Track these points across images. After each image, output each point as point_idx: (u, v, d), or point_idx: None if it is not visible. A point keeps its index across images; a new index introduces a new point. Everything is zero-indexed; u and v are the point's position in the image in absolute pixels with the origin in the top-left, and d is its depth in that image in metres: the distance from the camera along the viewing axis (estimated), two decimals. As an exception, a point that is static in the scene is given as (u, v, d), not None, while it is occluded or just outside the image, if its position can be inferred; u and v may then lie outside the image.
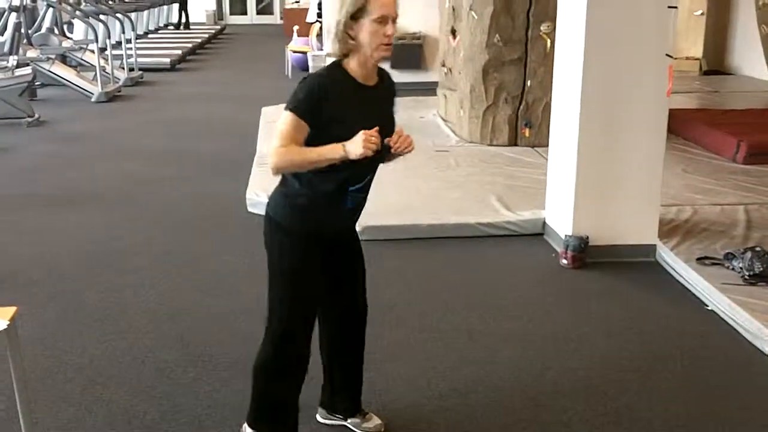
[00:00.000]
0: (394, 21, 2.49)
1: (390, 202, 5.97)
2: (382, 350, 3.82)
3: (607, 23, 4.77)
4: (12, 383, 2.60)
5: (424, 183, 6.54)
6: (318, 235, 2.75)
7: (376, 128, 2.45)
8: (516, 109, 7.71)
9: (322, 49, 12.79)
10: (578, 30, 4.84)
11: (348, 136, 2.46)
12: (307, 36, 14.16)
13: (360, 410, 3.18)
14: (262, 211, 5.73)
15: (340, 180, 2.63)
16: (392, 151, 2.57)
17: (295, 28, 14.77)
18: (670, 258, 4.91)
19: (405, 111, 9.46)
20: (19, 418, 2.58)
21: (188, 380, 3.57)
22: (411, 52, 11.65)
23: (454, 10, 8.42)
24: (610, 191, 4.99)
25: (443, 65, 9.06)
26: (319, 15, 13.85)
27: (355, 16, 2.49)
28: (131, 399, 3.42)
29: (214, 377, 3.60)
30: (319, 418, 3.23)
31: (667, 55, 4.80)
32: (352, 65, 2.57)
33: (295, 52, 13.97)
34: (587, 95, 4.85)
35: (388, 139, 2.53)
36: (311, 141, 2.54)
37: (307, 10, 16.87)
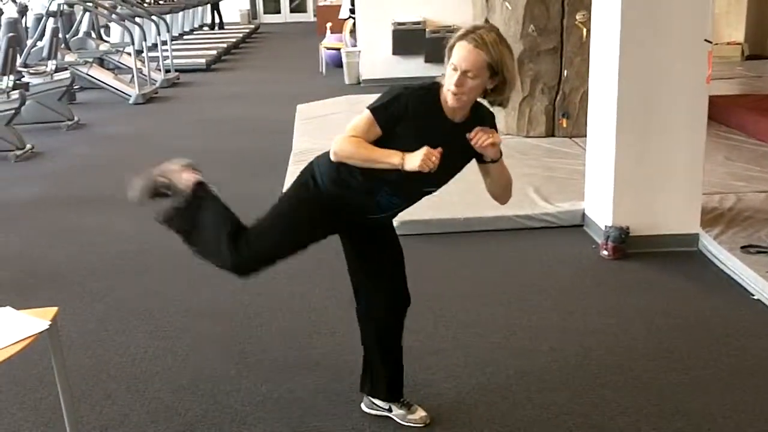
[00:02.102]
0: (467, 75, 2.50)
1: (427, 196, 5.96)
2: (422, 343, 3.81)
3: (643, 10, 4.69)
4: (56, 382, 2.63)
5: (460, 176, 6.47)
6: (341, 208, 2.80)
7: (440, 150, 2.50)
8: (552, 100, 7.63)
9: (355, 46, 12.80)
10: (614, 17, 4.77)
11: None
12: (341, 32, 14.17)
13: (404, 400, 3.18)
14: (299, 209, 5.86)
15: (382, 183, 2.69)
16: (471, 141, 2.60)
17: (328, 25, 14.80)
18: (714, 247, 4.83)
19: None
20: (64, 418, 2.60)
21: (229, 378, 3.59)
22: (445, 45, 11.58)
23: (487, 1, 8.35)
24: (650, 180, 4.92)
25: (478, 58, 8.99)
26: (352, 11, 13.84)
27: (447, 53, 2.57)
28: (173, 397, 3.44)
29: (255, 375, 3.61)
30: (363, 407, 3.24)
31: (707, 40, 4.72)
32: (444, 94, 2.61)
33: (328, 48, 13.98)
34: (625, 84, 4.78)
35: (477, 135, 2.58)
36: (376, 144, 2.62)
37: (339, 6, 16.88)
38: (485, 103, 2.74)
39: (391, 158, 2.55)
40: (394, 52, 11.81)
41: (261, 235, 2.89)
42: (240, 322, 4.20)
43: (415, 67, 11.59)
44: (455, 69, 2.51)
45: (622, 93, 4.80)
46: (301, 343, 3.91)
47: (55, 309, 2.40)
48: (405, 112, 2.59)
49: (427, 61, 11.63)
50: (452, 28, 11.56)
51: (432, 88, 2.64)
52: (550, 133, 7.66)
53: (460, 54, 2.50)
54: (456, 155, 2.67)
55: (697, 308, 4.23)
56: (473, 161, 2.80)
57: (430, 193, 2.84)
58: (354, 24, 13.39)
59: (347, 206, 2.80)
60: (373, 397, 3.21)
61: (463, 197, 5.91)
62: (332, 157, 2.67)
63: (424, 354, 3.73)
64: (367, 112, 2.62)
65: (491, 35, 2.51)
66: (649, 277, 4.65)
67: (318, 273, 4.70)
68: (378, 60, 11.89)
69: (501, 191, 2.93)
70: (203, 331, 4.09)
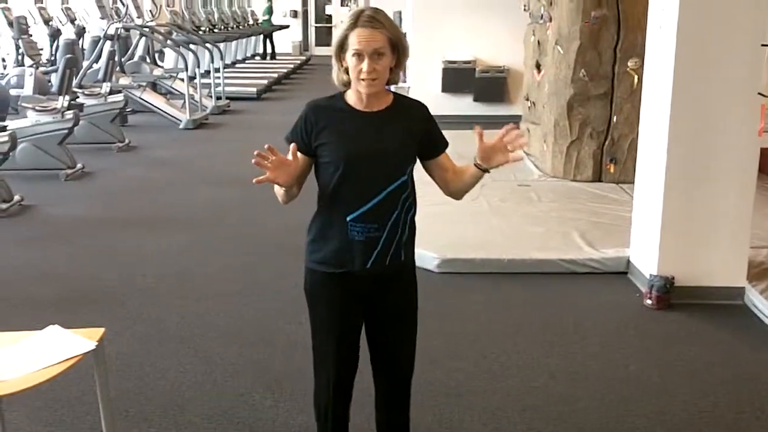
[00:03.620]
0: (372, 56, 2.39)
1: (471, 235, 5.96)
2: (462, 382, 3.80)
3: (697, 60, 4.68)
4: (98, 402, 2.66)
5: (505, 217, 6.49)
6: (337, 275, 2.55)
7: (271, 147, 2.35)
8: (601, 145, 7.60)
9: (405, 81, 12.88)
10: (667, 66, 4.75)
11: (333, 159, 2.47)
12: (390, 67, 14.27)
13: None
14: (342, 240, 5.89)
15: (335, 207, 2.52)
16: (505, 139, 2.52)
17: (378, 59, 14.91)
18: (760, 301, 4.74)
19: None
20: (103, 438, 2.63)
21: (266, 407, 3.60)
22: (495, 85, 11.66)
23: (539, 44, 8.39)
24: (697, 231, 4.87)
25: (527, 99, 9.02)
26: (403, 47, 13.96)
27: (341, 47, 2.47)
28: (210, 423, 3.45)
29: (292, 405, 3.61)
30: None
31: (760, 93, 4.68)
32: (350, 94, 2.53)
33: (377, 82, 14.07)
34: (675, 132, 4.76)
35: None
36: (315, 169, 2.56)
37: (391, 42, 17.03)
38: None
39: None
40: (444, 90, 11.87)
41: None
42: (280, 349, 4.21)
43: (463, 106, 11.65)
44: (359, 56, 2.40)
45: (672, 142, 4.77)
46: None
47: (101, 330, 2.43)
48: (314, 125, 2.49)
49: (476, 99, 11.70)
50: (503, 68, 11.64)
51: (336, 94, 2.58)
52: (597, 178, 7.62)
53: (363, 38, 2.39)
54: (389, 141, 2.50)
55: (741, 363, 4.15)
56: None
57: (399, 206, 2.53)
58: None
59: (333, 260, 2.55)
60: None
61: (508, 238, 5.91)
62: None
63: (463, 392, 3.72)
64: None
65: (380, 13, 2.44)
66: (693, 328, 4.59)
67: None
68: (426, 96, 11.81)
69: (462, 187, 2.73)
70: (243, 358, 4.11)
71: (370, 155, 2.47)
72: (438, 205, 6.77)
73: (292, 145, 2.41)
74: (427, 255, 5.46)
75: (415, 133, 2.57)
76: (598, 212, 6.56)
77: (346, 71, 2.48)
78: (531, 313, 4.81)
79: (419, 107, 2.63)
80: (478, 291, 5.13)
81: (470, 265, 5.42)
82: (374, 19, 2.41)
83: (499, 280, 5.32)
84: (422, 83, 11.97)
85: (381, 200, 2.48)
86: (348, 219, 2.48)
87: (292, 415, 3.52)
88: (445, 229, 6.14)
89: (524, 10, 9.25)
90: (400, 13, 15.20)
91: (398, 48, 2.46)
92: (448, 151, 2.71)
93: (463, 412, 3.54)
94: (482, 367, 4.04)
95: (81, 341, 2.43)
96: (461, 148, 9.85)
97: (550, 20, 7.96)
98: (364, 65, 2.39)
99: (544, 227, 6.17)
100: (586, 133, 7.62)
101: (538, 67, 8.49)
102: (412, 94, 12.19)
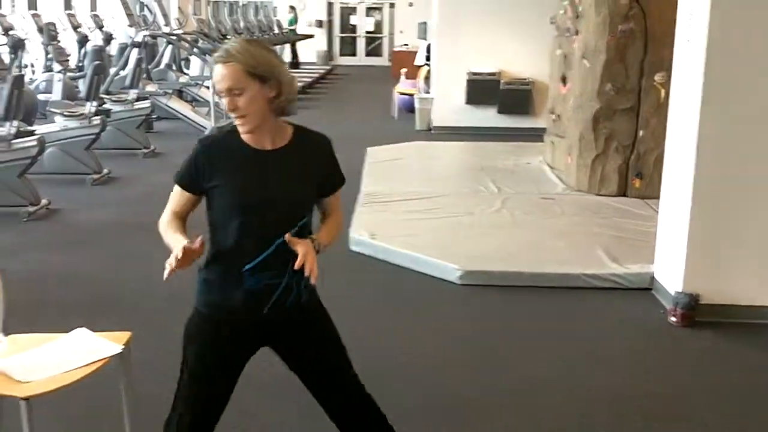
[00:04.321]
0: (233, 93, 2.24)
1: (493, 248, 5.95)
2: (478, 397, 3.79)
3: (726, 74, 4.64)
4: (121, 405, 2.67)
5: (528, 230, 6.47)
6: (223, 320, 2.41)
7: (179, 255, 2.24)
8: (626, 159, 7.56)
9: (428, 92, 12.91)
10: (695, 80, 4.72)
11: (228, 206, 2.34)
12: (415, 79, 14.31)
13: None
14: (364, 251, 5.94)
15: (229, 254, 2.37)
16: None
17: (403, 70, 14.96)
18: (787, 321, 4.69)
19: (511, 156, 9.45)
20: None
21: (292, 412, 3.59)
22: (519, 97, 11.64)
23: (565, 57, 8.38)
24: (724, 248, 4.82)
25: (552, 112, 9.00)
26: (428, 58, 13.99)
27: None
28: (233, 428, 3.45)
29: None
30: None
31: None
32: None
33: (401, 93, 14.13)
34: (703, 147, 4.72)
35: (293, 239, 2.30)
36: (207, 206, 2.41)
37: (415, 53, 17.07)
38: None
39: (173, 244, 2.33)
40: (468, 101, 11.85)
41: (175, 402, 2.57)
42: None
43: (487, 117, 11.64)
44: (222, 95, 2.28)
45: (700, 157, 4.73)
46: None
47: (128, 334, 2.44)
48: (205, 165, 2.35)
49: (500, 111, 11.67)
50: (527, 80, 11.63)
51: (229, 128, 2.39)
52: (622, 192, 7.57)
53: (216, 77, 2.26)
54: (287, 186, 2.37)
55: (767, 383, 4.11)
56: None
57: (292, 252, 2.32)
58: (429, 71, 13.52)
59: (223, 309, 2.42)
60: None
61: (530, 252, 5.89)
62: None
63: (481, 407, 3.70)
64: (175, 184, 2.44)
65: (237, 45, 2.27)
66: (718, 347, 4.54)
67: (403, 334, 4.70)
68: (451, 108, 11.95)
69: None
70: (270, 360, 4.10)
71: (267, 203, 2.33)
72: (459, 216, 6.86)
73: (200, 238, 2.27)
74: (448, 266, 5.46)
75: (315, 174, 2.44)
76: (623, 227, 6.52)
77: None
78: (552, 327, 4.78)
79: (322, 144, 2.49)
80: (499, 304, 5.11)
81: (492, 278, 5.39)
82: (227, 53, 2.25)
83: (520, 293, 5.29)
84: (446, 95, 11.98)
85: (279, 247, 2.32)
86: (244, 269, 2.34)
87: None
88: (466, 241, 6.13)
89: (551, 23, 9.23)
90: (425, 24, 15.23)
91: (269, 77, 2.26)
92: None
93: (480, 428, 3.51)
94: (500, 381, 4.02)
95: (107, 344, 2.45)
96: (484, 162, 9.87)
97: (577, 33, 7.95)
98: (229, 103, 2.26)
99: (568, 241, 6.14)
100: (612, 147, 7.58)
101: (563, 80, 8.47)
102: (436, 106, 12.34)
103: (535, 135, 10.02)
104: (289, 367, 2.54)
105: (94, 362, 2.36)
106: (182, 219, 2.44)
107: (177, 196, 2.43)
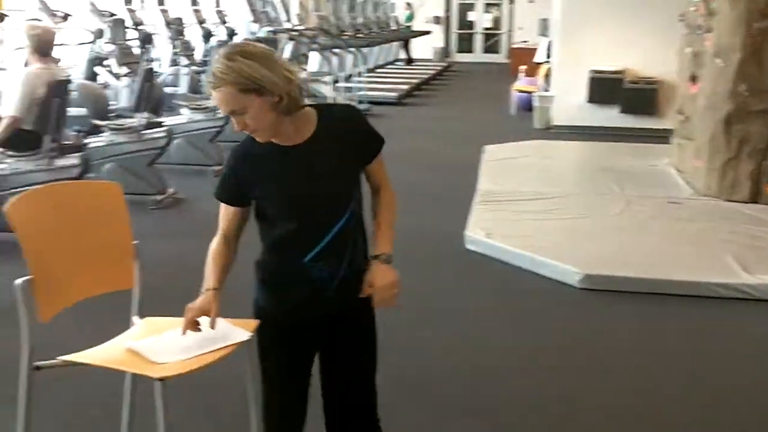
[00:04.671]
0: (236, 114, 2.20)
1: (616, 252, 5.79)
2: (586, 402, 3.70)
3: None
4: (236, 390, 2.73)
5: (653, 235, 6.27)
6: (297, 318, 2.44)
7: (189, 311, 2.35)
8: (759, 164, 7.22)
9: (548, 90, 12.69)
10: None
11: (278, 211, 2.36)
12: (534, 76, 14.11)
13: None
14: (480, 250, 5.88)
15: (287, 251, 2.40)
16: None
17: (522, 68, 14.78)
18: None
19: (634, 158, 9.18)
20: (251, 426, 2.68)
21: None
22: (644, 96, 11.27)
23: (695, 55, 8.07)
24: None
25: (680, 112, 8.68)
26: (548, 56, 13.76)
27: None
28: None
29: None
30: None
31: None
32: None
33: (520, 91, 13.95)
34: None
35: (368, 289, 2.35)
36: (257, 214, 2.42)
37: (534, 50, 16.83)
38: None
39: (204, 280, 2.43)
40: (590, 100, 11.56)
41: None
42: (414, 356, 4.17)
43: (609, 117, 11.35)
44: (228, 116, 2.25)
45: None
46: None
47: (256, 321, 2.48)
48: (246, 175, 2.35)
49: (623, 111, 11.35)
50: (653, 79, 11.27)
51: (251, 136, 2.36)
52: (754, 198, 7.23)
53: (215, 101, 2.22)
54: (328, 168, 2.33)
55: None
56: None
57: (349, 233, 2.37)
58: (549, 68, 13.30)
59: (289, 302, 2.45)
60: None
61: (655, 257, 5.69)
62: None
63: (588, 410, 3.58)
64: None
65: (221, 66, 2.16)
66: None
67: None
68: (571, 106, 11.70)
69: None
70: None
71: (314, 194, 2.32)
72: (579, 218, 6.69)
73: (214, 313, 2.34)
74: (568, 269, 5.33)
75: (351, 149, 2.38)
76: (755, 235, 6.22)
77: None
78: (674, 338, 4.60)
79: (348, 116, 2.45)
80: (620, 311, 4.96)
81: (613, 283, 5.23)
82: (215, 77, 2.18)
83: (643, 300, 5.10)
84: (567, 93, 11.73)
85: (337, 232, 2.34)
86: (305, 261, 2.35)
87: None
88: (587, 244, 5.98)
89: (680, 20, 8.92)
90: (546, 20, 15.00)
91: (260, 88, 2.17)
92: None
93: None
94: (615, 393, 3.88)
95: (237, 331, 2.49)
96: (605, 162, 9.63)
97: (709, 31, 7.65)
98: (236, 124, 2.24)
99: (695, 248, 5.91)
100: (744, 150, 7.26)
101: (693, 79, 8.16)
102: (556, 104, 12.11)
103: (661, 136, 9.71)
104: (321, 367, 2.53)
105: (225, 347, 2.41)
106: (233, 240, 2.49)
107: (224, 212, 2.47)
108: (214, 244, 2.49)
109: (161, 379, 2.30)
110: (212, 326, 2.33)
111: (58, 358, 2.49)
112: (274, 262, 2.44)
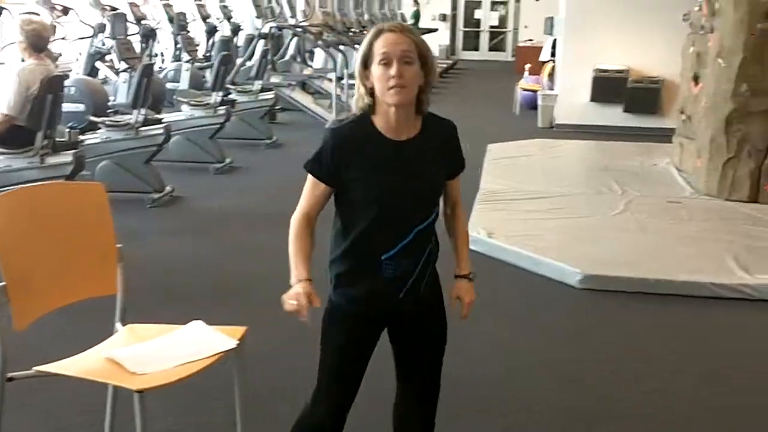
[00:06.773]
0: (404, 61, 2.25)
1: (616, 252, 5.76)
2: (594, 404, 3.66)
3: None
4: (227, 398, 2.68)
5: (653, 234, 6.23)
6: (364, 313, 2.49)
7: (297, 298, 2.41)
8: (759, 164, 7.19)
9: (552, 89, 12.65)
10: None
11: (366, 199, 2.34)
12: (538, 75, 14.05)
13: None
14: (482, 249, 5.83)
15: (367, 246, 2.41)
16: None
17: (527, 66, 14.72)
18: None
19: (636, 157, 9.15)
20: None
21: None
22: (647, 96, 11.24)
23: (698, 55, 8.03)
24: None
25: (682, 112, 8.64)
26: (553, 54, 13.70)
27: (366, 63, 2.31)
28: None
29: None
30: None
31: None
32: (378, 118, 2.35)
33: (524, 89, 13.90)
34: None
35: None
36: (338, 199, 2.43)
37: (539, 48, 16.76)
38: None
39: (294, 269, 2.49)
40: (593, 99, 11.53)
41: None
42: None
43: (612, 116, 11.32)
44: (387, 62, 2.25)
45: None
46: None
47: (243, 328, 2.44)
48: (336, 154, 2.33)
49: (626, 110, 11.32)
50: (656, 79, 11.22)
51: (361, 116, 2.37)
52: (754, 198, 7.21)
53: (390, 42, 2.25)
54: (423, 176, 2.38)
55: None
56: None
57: (428, 239, 2.44)
58: (554, 67, 13.25)
59: (361, 298, 2.49)
60: None
61: (655, 257, 5.66)
62: None
63: (596, 418, 3.56)
64: (309, 175, 2.42)
65: (404, 23, 2.28)
66: None
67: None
68: (575, 105, 11.66)
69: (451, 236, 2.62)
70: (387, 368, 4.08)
71: (406, 193, 2.35)
72: (580, 218, 6.65)
73: (317, 300, 2.39)
74: (568, 269, 5.31)
75: (444, 159, 2.46)
76: (754, 235, 6.20)
77: (371, 92, 2.32)
78: (675, 338, 4.58)
79: (449, 130, 2.50)
80: (620, 311, 4.93)
81: (614, 283, 5.21)
82: (402, 26, 2.35)
83: (643, 300, 5.08)
84: (571, 92, 11.70)
85: (416, 235, 2.38)
86: (383, 258, 2.38)
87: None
88: (587, 244, 5.95)
89: (684, 19, 8.87)
90: (552, 19, 14.93)
91: (426, 62, 2.32)
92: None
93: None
94: (616, 392, 3.86)
95: (223, 339, 2.45)
96: (608, 161, 9.62)
97: (712, 31, 7.61)
98: (393, 70, 2.24)
99: (695, 247, 5.88)
100: (745, 150, 7.23)
101: (695, 79, 8.12)
102: (560, 103, 12.04)
103: (663, 135, 9.66)
104: (394, 350, 2.61)
105: (208, 357, 2.36)
106: (313, 221, 2.49)
107: (311, 190, 2.43)
108: (296, 222, 2.50)
109: (140, 391, 2.23)
110: (305, 319, 2.37)
111: (33, 368, 2.41)
112: (350, 259, 2.46)
